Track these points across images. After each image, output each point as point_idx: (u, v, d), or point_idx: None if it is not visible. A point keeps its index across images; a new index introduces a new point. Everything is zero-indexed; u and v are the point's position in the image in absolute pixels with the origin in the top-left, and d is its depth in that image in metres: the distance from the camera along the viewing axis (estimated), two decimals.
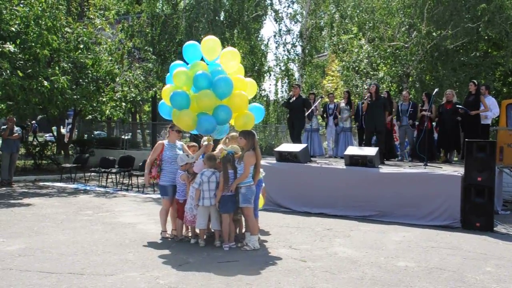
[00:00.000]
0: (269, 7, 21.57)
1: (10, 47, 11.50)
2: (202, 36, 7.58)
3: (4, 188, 11.79)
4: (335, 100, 13.39)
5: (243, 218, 6.49)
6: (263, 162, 8.31)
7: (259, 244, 6.27)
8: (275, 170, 9.41)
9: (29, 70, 12.00)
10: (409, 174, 8.54)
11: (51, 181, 13.74)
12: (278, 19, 21.94)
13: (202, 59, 6.87)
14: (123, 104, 15.20)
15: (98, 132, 27.37)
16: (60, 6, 13.25)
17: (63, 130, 22.48)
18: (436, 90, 10.38)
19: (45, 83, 11.94)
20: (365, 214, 8.63)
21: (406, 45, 16.73)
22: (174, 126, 6.77)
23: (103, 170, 12.84)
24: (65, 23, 13.55)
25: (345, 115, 12.56)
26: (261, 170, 6.70)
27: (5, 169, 12.39)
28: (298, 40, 21.72)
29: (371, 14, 17.37)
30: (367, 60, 17.78)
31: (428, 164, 9.38)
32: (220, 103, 6.42)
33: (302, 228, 7.64)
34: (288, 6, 23.13)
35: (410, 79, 16.96)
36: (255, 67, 20.13)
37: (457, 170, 8.44)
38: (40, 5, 12.35)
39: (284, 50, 21.88)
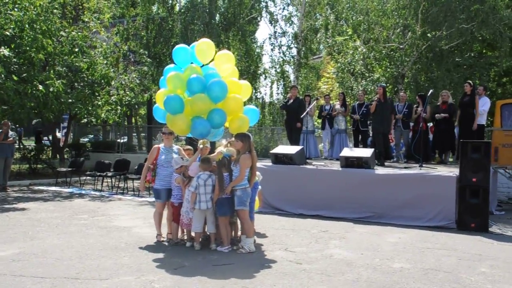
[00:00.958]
0: (264, 9, 21.58)
1: (4, 51, 11.47)
2: (197, 39, 7.56)
3: None
4: (330, 102, 13.40)
5: (238, 221, 6.49)
6: (258, 164, 8.31)
7: (254, 246, 6.26)
8: (271, 172, 9.41)
9: (24, 74, 11.97)
10: (404, 175, 8.57)
11: (46, 185, 13.69)
12: (273, 21, 21.95)
13: (192, 63, 6.84)
14: (119, 107, 15.18)
15: (93, 136, 27.37)
16: (55, 10, 13.24)
17: (58, 134, 22.44)
18: (431, 91, 10.41)
19: (40, 87, 11.91)
20: (360, 215, 8.64)
21: (401, 46, 16.77)
22: (165, 129, 6.78)
23: (98, 173, 12.80)
24: (60, 27, 13.51)
25: (340, 117, 12.56)
26: (258, 173, 6.71)
27: None
28: (293, 42, 21.74)
29: (366, 15, 17.40)
30: (362, 62, 17.82)
31: (423, 165, 9.42)
32: (214, 107, 6.41)
33: (298, 230, 7.65)
34: (283, 9, 23.19)
35: (405, 80, 17.00)
36: (250, 70, 20.13)
37: (452, 171, 8.46)
38: (35, 9, 12.33)
39: (279, 52, 21.91)
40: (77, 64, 13.74)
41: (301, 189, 9.25)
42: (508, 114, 10.71)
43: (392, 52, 17.12)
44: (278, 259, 5.80)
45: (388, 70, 17.17)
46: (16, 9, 12.24)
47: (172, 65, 6.97)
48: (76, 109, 14.12)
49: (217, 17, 18.93)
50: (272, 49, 21.95)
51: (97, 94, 14.60)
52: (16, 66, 12.02)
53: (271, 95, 22.52)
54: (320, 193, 9.05)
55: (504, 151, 10.02)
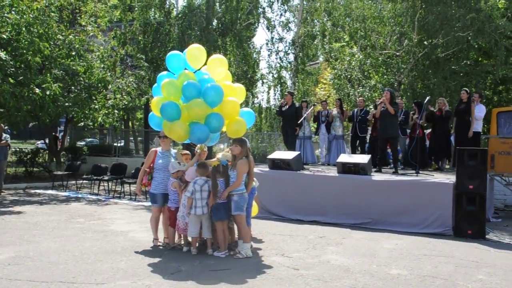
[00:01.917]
0: (261, 15, 21.67)
1: (1, 54, 11.44)
2: None
3: None
4: (327, 108, 13.43)
5: (235, 226, 6.47)
6: (255, 169, 8.31)
7: (251, 252, 6.25)
8: (268, 177, 9.40)
9: (21, 77, 11.94)
10: (401, 182, 8.58)
11: (43, 188, 13.62)
12: (270, 27, 22.04)
13: (186, 69, 6.83)
14: (116, 111, 15.16)
15: (90, 139, 27.26)
16: (52, 14, 13.21)
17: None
18: (428, 98, 10.44)
19: (37, 90, 11.88)
20: (357, 221, 8.64)
21: (397, 54, 16.87)
22: (162, 132, 6.77)
23: (95, 177, 12.75)
24: (57, 30, 13.49)
25: (337, 123, 12.57)
26: (255, 179, 6.70)
27: None
28: (290, 48, 21.81)
29: (363, 22, 17.51)
30: (359, 68, 17.88)
31: (420, 172, 9.43)
32: (211, 111, 6.40)
33: (295, 236, 7.63)
34: (281, 15, 23.25)
35: (402, 87, 17.07)
36: (247, 75, 20.17)
37: (449, 178, 8.48)
38: (32, 12, 12.29)
39: (276, 58, 21.99)
40: (74, 67, 13.71)
41: (298, 195, 9.24)
42: (504, 122, 10.74)
43: (388, 59, 17.20)
44: (275, 265, 5.79)
45: (385, 77, 17.24)
46: (13, 12, 12.19)
47: (165, 72, 6.95)
48: (73, 113, 14.10)
49: (214, 22, 18.99)
50: (269, 55, 22.09)
51: (94, 98, 14.57)
52: (13, 69, 11.99)
53: (268, 101, 22.58)
54: (317, 199, 9.04)
55: (500, 159, 10.05)
